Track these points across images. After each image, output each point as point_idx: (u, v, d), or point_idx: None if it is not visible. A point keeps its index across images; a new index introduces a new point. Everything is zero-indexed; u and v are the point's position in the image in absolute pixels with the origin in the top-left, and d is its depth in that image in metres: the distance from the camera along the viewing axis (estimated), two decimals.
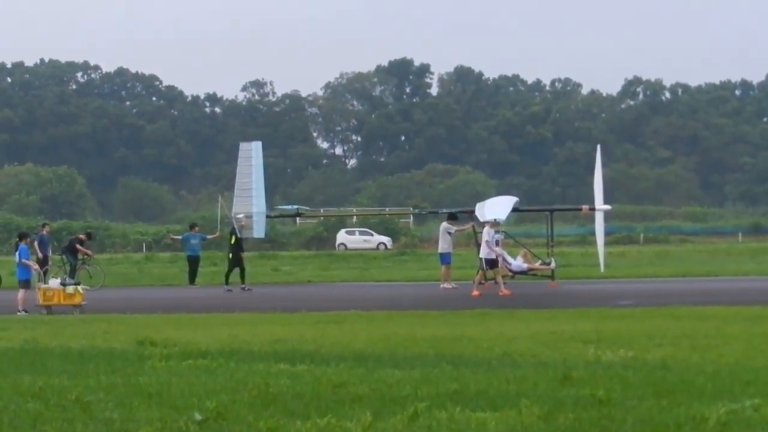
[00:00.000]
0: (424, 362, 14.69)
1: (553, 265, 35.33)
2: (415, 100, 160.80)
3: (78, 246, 37.99)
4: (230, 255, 36.75)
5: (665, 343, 16.76)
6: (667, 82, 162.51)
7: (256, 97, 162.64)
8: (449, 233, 35.30)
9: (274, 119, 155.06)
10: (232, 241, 36.53)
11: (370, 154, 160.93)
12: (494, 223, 32.03)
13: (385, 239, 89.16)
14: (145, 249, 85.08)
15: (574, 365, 14.00)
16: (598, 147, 38.59)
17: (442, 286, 34.40)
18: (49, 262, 35.97)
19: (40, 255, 35.07)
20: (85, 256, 38.53)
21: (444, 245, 35.21)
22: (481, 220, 32.97)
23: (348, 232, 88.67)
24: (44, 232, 36.92)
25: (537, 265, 35.65)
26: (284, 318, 23.73)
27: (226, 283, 36.17)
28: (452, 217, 36.06)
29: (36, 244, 35.39)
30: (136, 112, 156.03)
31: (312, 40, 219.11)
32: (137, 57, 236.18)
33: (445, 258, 34.99)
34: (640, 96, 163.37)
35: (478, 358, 15.15)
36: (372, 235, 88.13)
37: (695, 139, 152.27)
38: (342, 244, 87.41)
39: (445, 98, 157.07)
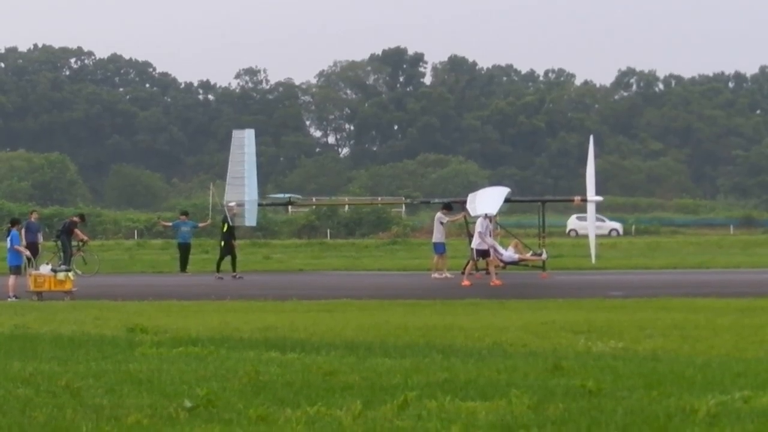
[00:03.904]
0: (414, 351, 14.69)
1: (544, 256, 35.34)
2: (408, 89, 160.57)
3: (76, 230, 37.83)
4: (222, 243, 36.74)
5: (656, 335, 16.78)
6: (661, 74, 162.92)
7: (250, 84, 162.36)
8: (441, 223, 35.35)
9: (267, 107, 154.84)
10: (224, 229, 36.48)
11: (363, 143, 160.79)
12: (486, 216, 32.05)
13: (617, 225, 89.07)
14: (137, 236, 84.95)
15: (564, 355, 14.01)
16: (591, 138, 38.51)
17: (433, 275, 34.44)
18: (40, 250, 35.80)
19: (24, 242, 34.89)
20: (81, 242, 38.39)
21: (437, 235, 35.26)
22: (473, 214, 32.95)
23: (579, 218, 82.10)
24: (32, 219, 36.77)
25: (528, 255, 35.68)
26: (275, 306, 23.73)
27: (218, 270, 36.15)
28: (447, 207, 36.10)
29: (22, 230, 35.22)
30: (129, 99, 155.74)
31: (306, 28, 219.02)
32: (131, 43, 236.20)
33: (438, 247, 35.03)
34: (634, 87, 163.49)
35: (468, 348, 15.16)
36: (604, 221, 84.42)
37: (688, 130, 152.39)
38: (573, 230, 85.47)
39: (439, 87, 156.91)
